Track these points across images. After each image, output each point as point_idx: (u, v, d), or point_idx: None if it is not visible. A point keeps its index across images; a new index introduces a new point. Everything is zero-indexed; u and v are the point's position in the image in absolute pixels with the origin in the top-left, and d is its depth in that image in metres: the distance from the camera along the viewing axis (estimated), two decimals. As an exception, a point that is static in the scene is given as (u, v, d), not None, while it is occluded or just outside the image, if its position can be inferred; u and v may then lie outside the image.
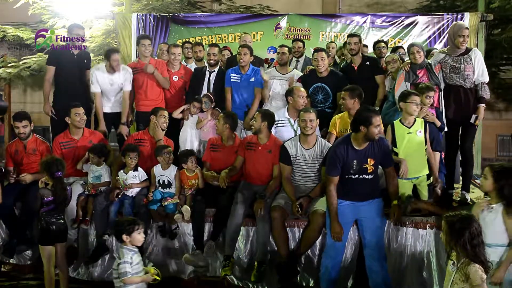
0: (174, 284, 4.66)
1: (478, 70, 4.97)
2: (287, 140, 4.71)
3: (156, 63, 5.82)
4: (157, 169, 4.85)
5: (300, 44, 6.38)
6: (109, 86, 5.64)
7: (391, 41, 6.99)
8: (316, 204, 4.38)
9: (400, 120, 4.59)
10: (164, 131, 5.18)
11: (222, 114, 5.09)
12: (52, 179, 4.16)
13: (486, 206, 3.36)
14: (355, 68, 5.70)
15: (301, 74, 5.84)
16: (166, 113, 5.21)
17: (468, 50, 5.04)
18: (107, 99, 5.71)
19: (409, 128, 4.52)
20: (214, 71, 5.77)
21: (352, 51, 5.68)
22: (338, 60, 6.58)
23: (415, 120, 4.54)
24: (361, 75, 5.60)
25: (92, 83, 5.64)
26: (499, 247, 3.28)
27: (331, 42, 6.59)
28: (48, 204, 4.10)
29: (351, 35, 5.84)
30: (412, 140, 4.49)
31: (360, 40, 5.74)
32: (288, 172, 4.60)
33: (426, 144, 4.53)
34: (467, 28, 5.05)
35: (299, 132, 4.89)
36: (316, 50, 5.66)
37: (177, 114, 5.56)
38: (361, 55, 5.74)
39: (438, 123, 4.80)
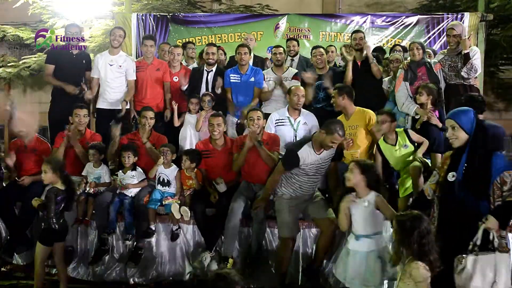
0: (173, 285, 4.66)
1: (471, 65, 4.98)
2: (302, 149, 4.22)
3: (160, 64, 5.82)
4: (161, 166, 4.84)
5: (295, 43, 6.40)
6: (109, 66, 5.61)
7: (391, 41, 7.00)
8: (326, 212, 4.32)
9: (383, 139, 4.57)
10: (147, 132, 5.10)
11: (213, 116, 4.92)
12: (62, 178, 4.14)
13: (355, 200, 3.51)
14: (359, 63, 5.72)
15: (296, 71, 5.88)
16: (149, 114, 5.12)
17: None
18: (106, 87, 5.62)
19: (394, 145, 4.51)
20: (212, 70, 5.78)
21: (357, 46, 5.73)
22: (338, 63, 6.58)
23: (397, 135, 4.52)
24: (365, 70, 5.62)
25: (92, 69, 5.68)
26: (368, 238, 3.43)
27: (330, 45, 6.57)
28: (59, 202, 4.10)
29: (356, 31, 6.00)
30: (400, 155, 4.47)
31: (364, 36, 5.84)
32: (282, 174, 4.34)
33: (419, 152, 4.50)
34: (452, 28, 5.11)
35: (299, 132, 4.91)
36: (315, 47, 5.81)
37: (176, 122, 5.60)
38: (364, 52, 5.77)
39: (440, 125, 4.80)
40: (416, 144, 4.51)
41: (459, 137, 3.18)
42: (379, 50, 6.35)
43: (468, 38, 5.07)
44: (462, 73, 4.98)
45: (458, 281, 2.99)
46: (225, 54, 6.53)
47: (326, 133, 4.12)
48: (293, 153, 4.23)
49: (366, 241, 3.44)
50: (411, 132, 4.58)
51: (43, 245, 4.15)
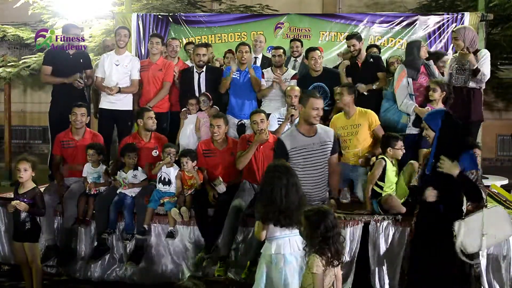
0: (172, 285, 4.65)
1: (481, 76, 4.98)
2: (284, 134, 4.25)
3: (163, 65, 5.81)
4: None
5: (298, 43, 6.39)
6: (115, 66, 5.63)
7: (392, 40, 6.99)
8: None
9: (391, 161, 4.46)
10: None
11: (214, 118, 4.89)
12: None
13: None
14: (359, 64, 5.71)
15: (295, 72, 5.89)
16: (149, 114, 5.13)
17: (476, 52, 5.07)
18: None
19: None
20: (202, 71, 5.78)
21: (354, 52, 5.70)
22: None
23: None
24: (365, 71, 5.63)
25: (97, 67, 5.70)
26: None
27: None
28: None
29: (348, 37, 5.84)
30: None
31: (357, 38, 5.70)
32: None
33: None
34: (454, 31, 5.17)
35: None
36: (311, 49, 5.71)
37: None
38: (365, 52, 5.76)
39: None
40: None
41: (430, 135, 3.60)
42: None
43: (468, 50, 5.01)
44: (471, 83, 5.00)
45: (456, 246, 3.36)
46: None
47: (303, 104, 4.01)
48: (278, 140, 4.11)
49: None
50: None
51: (36, 242, 4.27)
